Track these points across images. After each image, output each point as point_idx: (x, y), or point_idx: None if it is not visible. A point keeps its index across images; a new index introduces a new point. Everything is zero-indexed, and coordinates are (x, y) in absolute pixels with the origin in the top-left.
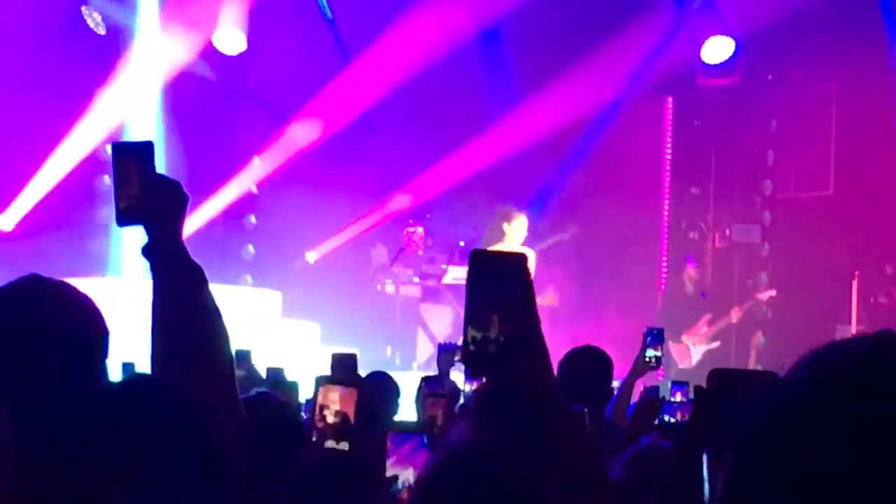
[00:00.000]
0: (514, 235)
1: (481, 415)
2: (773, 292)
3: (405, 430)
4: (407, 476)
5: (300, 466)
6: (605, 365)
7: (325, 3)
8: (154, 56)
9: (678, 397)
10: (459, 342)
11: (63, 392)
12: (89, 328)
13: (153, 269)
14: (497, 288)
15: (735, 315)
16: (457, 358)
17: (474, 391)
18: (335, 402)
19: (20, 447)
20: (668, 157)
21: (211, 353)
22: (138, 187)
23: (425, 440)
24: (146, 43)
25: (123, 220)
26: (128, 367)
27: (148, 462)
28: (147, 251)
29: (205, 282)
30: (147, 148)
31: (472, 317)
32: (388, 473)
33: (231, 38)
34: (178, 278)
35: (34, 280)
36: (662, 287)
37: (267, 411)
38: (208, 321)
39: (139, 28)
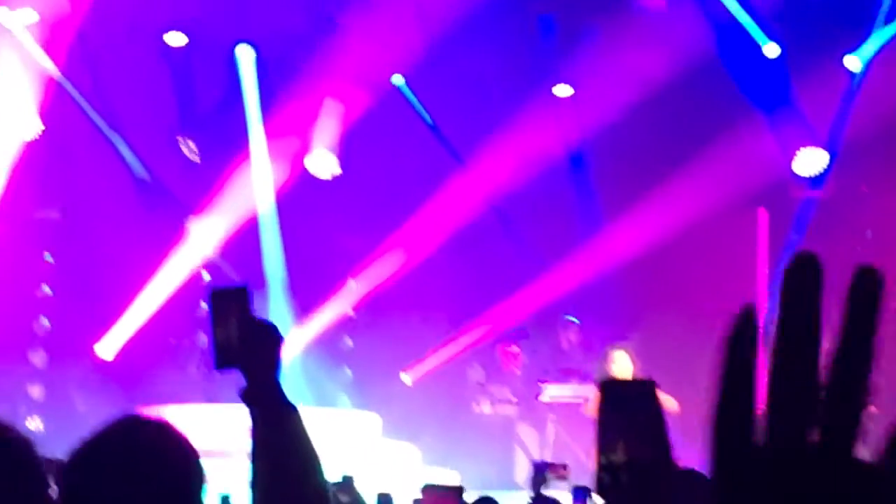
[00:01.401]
0: (619, 370)
1: None
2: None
3: None
4: None
5: None
6: (706, 491)
7: (429, 118)
8: (255, 180)
9: None
10: (548, 459)
11: None
12: (185, 473)
13: (251, 411)
14: (627, 414)
15: None
16: (549, 475)
17: None
18: None
19: None
20: (765, 270)
21: (306, 484)
22: (236, 331)
23: None
24: (249, 168)
25: (221, 363)
26: (225, 499)
27: None
28: (245, 395)
29: (300, 420)
30: (243, 292)
31: (604, 442)
32: None
33: (324, 162)
34: (275, 420)
35: (130, 422)
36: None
37: None
38: (303, 457)
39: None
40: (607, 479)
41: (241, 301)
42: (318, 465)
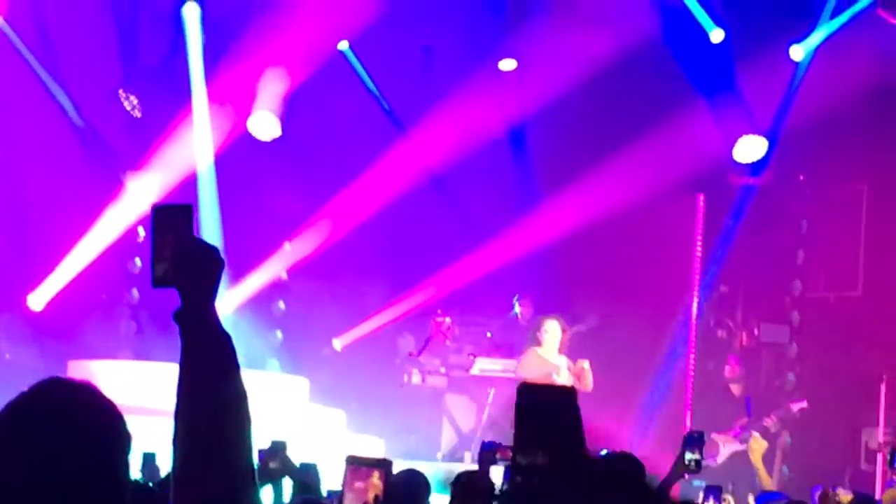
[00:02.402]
0: (548, 340)
1: None
2: (804, 404)
3: None
4: None
5: None
6: (640, 471)
7: (372, 86)
8: (195, 139)
9: (710, 502)
10: (498, 438)
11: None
12: (110, 437)
13: (183, 333)
14: (546, 419)
15: (771, 423)
16: (498, 456)
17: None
18: (365, 486)
19: None
20: (699, 254)
21: (234, 430)
22: (174, 250)
23: None
24: (190, 126)
25: (158, 282)
26: (149, 457)
27: None
28: (179, 315)
29: (233, 351)
30: (186, 211)
31: (521, 445)
32: None
33: (266, 125)
34: (208, 343)
35: (54, 385)
36: (689, 384)
37: None
38: (235, 392)
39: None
40: (520, 479)
41: (183, 219)
42: (247, 411)
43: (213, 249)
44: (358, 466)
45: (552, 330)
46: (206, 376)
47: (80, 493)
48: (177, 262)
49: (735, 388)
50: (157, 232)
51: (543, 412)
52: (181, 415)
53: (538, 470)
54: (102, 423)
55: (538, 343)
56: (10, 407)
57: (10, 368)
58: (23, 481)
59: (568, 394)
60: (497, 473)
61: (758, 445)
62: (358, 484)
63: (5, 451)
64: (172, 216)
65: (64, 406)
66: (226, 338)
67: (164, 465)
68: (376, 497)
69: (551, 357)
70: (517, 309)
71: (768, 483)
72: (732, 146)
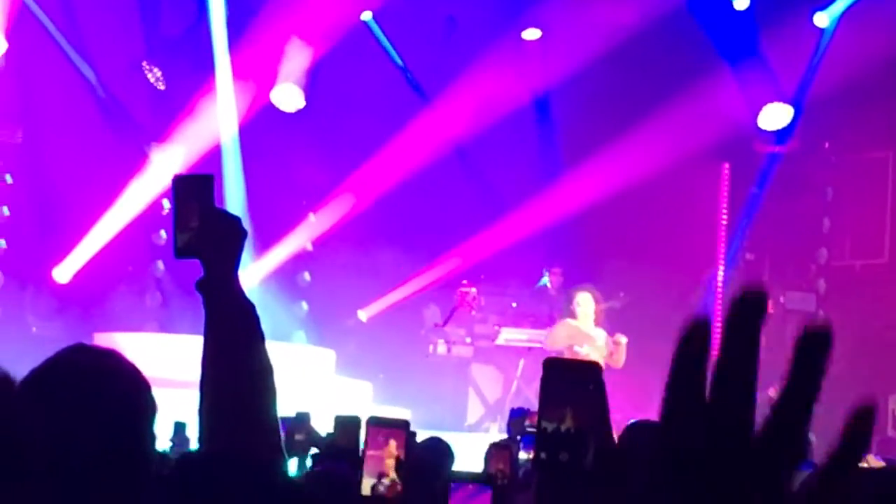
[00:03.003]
0: (581, 312)
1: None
2: None
3: (467, 479)
4: None
5: None
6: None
7: (396, 56)
8: (219, 111)
9: None
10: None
11: (106, 473)
12: (136, 403)
13: (206, 303)
14: (570, 394)
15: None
16: (527, 423)
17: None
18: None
19: None
20: (724, 222)
21: (260, 401)
22: (197, 220)
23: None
24: (214, 99)
25: (181, 252)
26: (179, 427)
27: None
28: (202, 285)
29: (257, 320)
30: (207, 181)
31: (545, 414)
32: None
33: (289, 96)
34: (232, 313)
35: (79, 352)
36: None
37: (329, 488)
38: (259, 364)
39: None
40: (545, 456)
41: (205, 190)
42: (272, 383)
43: (236, 219)
44: (378, 428)
45: (584, 302)
46: (230, 346)
47: (103, 460)
48: (199, 232)
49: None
50: (178, 202)
51: (568, 387)
52: (206, 385)
53: (564, 436)
54: (127, 390)
55: (572, 316)
56: (35, 372)
57: (36, 341)
58: (46, 447)
59: (593, 369)
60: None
61: None
62: (377, 448)
63: (29, 416)
64: (194, 186)
65: (88, 372)
66: (249, 307)
67: (194, 436)
68: (397, 458)
69: (587, 329)
70: (546, 279)
71: None
72: (757, 114)
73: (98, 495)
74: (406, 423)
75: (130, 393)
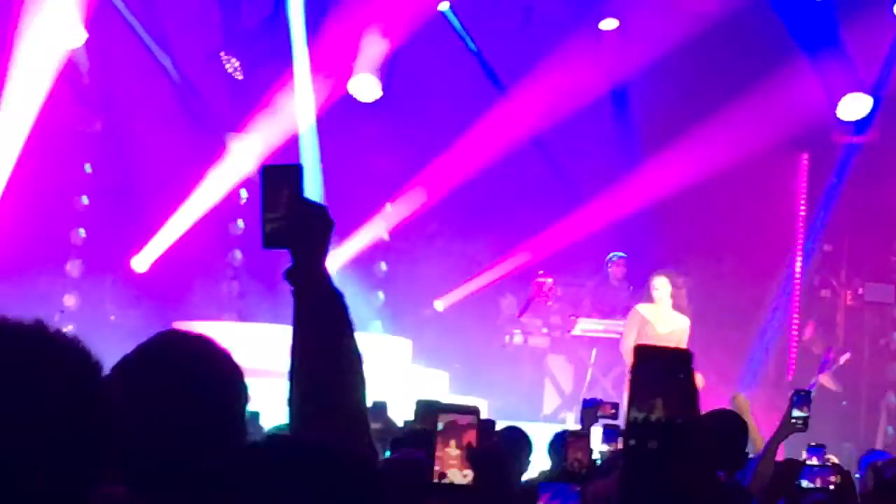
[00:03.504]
0: (659, 296)
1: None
2: (848, 355)
3: (551, 480)
4: None
5: None
6: (741, 430)
7: (473, 46)
8: (297, 101)
9: (814, 461)
10: (600, 397)
11: (201, 454)
12: (231, 389)
13: (296, 293)
14: (661, 383)
15: (826, 381)
16: (599, 413)
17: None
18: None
19: None
20: (802, 213)
21: (351, 390)
22: (286, 210)
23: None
24: (291, 89)
25: (269, 242)
26: (253, 416)
27: None
28: (291, 275)
29: (347, 309)
30: (296, 171)
31: (636, 403)
32: None
33: (367, 86)
34: (323, 302)
35: (174, 337)
36: (792, 345)
37: (404, 476)
38: (350, 353)
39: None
40: (635, 442)
41: (293, 180)
42: (362, 373)
43: (324, 209)
44: (449, 414)
45: (661, 285)
46: (322, 335)
47: (199, 443)
48: (288, 221)
49: (816, 349)
50: (267, 192)
51: (659, 376)
52: (297, 375)
53: (654, 426)
54: (222, 374)
55: (651, 300)
56: (132, 357)
57: (115, 330)
58: (143, 431)
59: (684, 357)
60: (596, 434)
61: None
62: (449, 436)
63: (126, 400)
64: (282, 176)
65: (184, 357)
66: (339, 296)
67: (267, 426)
68: (468, 446)
69: (664, 312)
70: (609, 269)
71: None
72: (836, 104)
73: (198, 479)
74: (476, 410)
75: (226, 378)
